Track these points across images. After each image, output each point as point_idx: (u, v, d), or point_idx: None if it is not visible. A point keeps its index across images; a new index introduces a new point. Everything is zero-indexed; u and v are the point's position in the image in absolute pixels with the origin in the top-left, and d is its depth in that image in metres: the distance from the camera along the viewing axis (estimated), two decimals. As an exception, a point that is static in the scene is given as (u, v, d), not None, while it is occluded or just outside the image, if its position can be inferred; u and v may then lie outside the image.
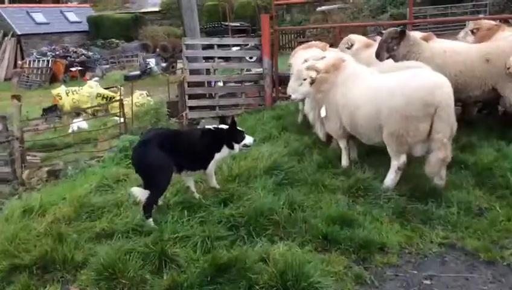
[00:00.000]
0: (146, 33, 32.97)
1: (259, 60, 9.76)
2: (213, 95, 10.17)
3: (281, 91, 9.45)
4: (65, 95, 18.64)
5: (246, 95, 10.22)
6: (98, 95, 18.60)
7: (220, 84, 10.59)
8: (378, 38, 6.52)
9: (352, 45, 7.23)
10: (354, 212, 4.27)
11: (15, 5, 34.97)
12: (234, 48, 12.21)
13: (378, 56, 6.01)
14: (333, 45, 8.57)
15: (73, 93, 18.72)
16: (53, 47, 30.93)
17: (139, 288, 3.40)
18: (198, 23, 13.57)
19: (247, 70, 11.01)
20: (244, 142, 4.71)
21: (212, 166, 4.64)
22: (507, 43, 5.90)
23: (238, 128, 4.73)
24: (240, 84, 10.29)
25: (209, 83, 10.40)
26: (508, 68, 5.59)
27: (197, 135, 4.74)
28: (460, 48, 6.16)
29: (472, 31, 6.85)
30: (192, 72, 10.14)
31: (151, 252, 3.64)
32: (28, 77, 27.74)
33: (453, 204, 4.38)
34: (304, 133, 6.65)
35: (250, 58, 10.72)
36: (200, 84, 10.13)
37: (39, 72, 27.90)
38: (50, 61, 28.15)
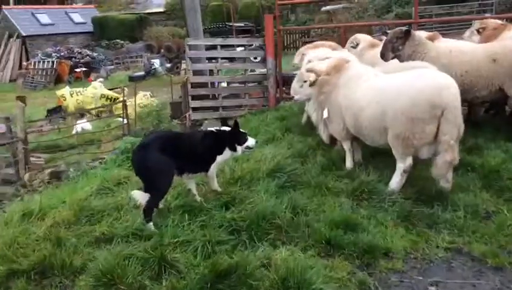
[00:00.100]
0: (151, 34, 32.99)
1: (263, 61, 9.69)
2: (216, 96, 10.10)
3: (285, 92, 9.38)
4: (69, 96, 18.69)
5: (249, 95, 10.13)
6: (102, 96, 18.65)
7: (224, 84, 10.51)
8: (384, 38, 6.45)
9: (357, 45, 7.18)
10: (358, 216, 4.19)
11: (20, 6, 35.13)
12: (238, 49, 12.12)
13: (383, 56, 5.96)
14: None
15: (77, 94, 18.77)
16: (58, 48, 31.09)
17: (137, 294, 3.34)
18: (203, 24, 13.51)
19: (251, 70, 10.92)
20: (246, 144, 4.65)
21: (214, 168, 4.58)
22: (514, 42, 5.82)
23: (240, 130, 4.66)
24: (243, 85, 10.21)
25: (213, 83, 10.32)
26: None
27: (198, 137, 4.66)
28: (466, 48, 6.08)
29: (478, 31, 6.79)
30: (196, 72, 10.05)
31: (151, 257, 3.57)
32: (32, 78, 27.90)
33: (460, 207, 4.30)
34: (308, 135, 6.58)
35: (255, 58, 10.64)
36: (203, 85, 10.06)
37: (44, 73, 28.06)
38: (55, 62, 28.32)
